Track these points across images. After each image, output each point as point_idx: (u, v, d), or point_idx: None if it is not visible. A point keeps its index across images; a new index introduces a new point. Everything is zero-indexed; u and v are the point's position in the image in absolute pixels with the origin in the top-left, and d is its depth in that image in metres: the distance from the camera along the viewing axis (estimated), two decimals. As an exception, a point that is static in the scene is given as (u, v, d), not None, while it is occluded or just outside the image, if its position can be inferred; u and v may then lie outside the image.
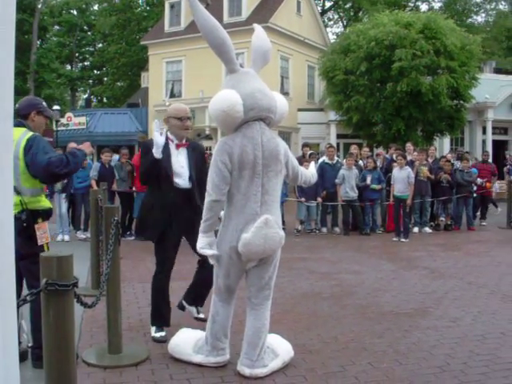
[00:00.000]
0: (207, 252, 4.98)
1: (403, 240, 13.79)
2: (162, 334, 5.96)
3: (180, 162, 6.00)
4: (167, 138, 5.97)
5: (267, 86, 5.05)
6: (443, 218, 16.53)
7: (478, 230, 16.30)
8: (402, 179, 14.04)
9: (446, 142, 30.59)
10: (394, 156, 15.64)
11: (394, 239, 13.96)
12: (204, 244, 4.98)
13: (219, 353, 5.18)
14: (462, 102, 24.34)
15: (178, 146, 6.05)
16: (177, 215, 5.93)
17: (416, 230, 15.50)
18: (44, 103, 5.49)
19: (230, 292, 5.19)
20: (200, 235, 5.02)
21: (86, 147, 5.36)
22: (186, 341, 5.39)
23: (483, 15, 52.81)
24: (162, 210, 5.88)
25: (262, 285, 5.11)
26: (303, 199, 14.84)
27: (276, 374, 5.07)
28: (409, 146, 17.05)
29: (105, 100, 60.86)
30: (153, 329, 6.05)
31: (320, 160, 16.13)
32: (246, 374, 5.01)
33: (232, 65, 5.01)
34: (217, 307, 5.21)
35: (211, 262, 5.10)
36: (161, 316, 6.05)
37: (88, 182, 13.46)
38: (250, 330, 5.13)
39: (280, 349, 5.31)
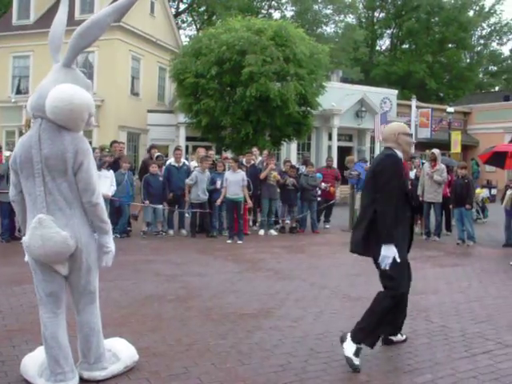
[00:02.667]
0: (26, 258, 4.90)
1: (239, 242, 14.04)
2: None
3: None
4: None
5: (50, 83, 4.69)
6: (288, 221, 16.90)
7: (322, 232, 16.80)
8: (235, 182, 14.29)
9: (293, 147, 31.29)
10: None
11: (228, 241, 14.14)
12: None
13: (58, 378, 4.71)
14: (309, 108, 24.88)
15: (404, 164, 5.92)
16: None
17: (262, 232, 15.76)
18: None
19: (55, 300, 4.83)
20: None
21: None
22: (34, 361, 4.96)
23: (332, 26, 54.51)
24: (404, 228, 5.74)
25: (81, 290, 4.91)
26: (147, 202, 14.69)
27: (119, 377, 5.01)
28: (255, 150, 17.39)
29: None
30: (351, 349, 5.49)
31: (167, 162, 16.08)
32: (84, 377, 4.92)
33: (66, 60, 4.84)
34: (43, 320, 4.82)
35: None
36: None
37: None
38: (80, 336, 4.99)
39: (122, 353, 5.21)
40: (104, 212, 4.84)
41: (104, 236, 4.89)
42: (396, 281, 5.55)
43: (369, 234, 5.59)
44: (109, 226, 4.91)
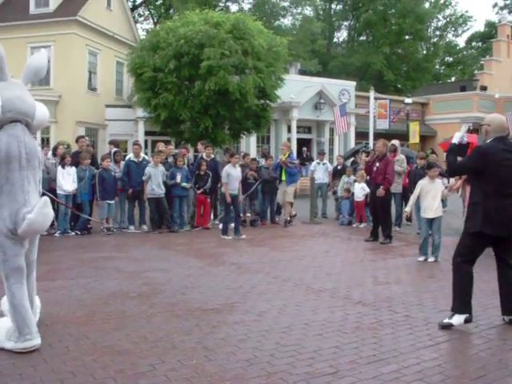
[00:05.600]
0: None
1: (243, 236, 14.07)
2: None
3: None
4: None
5: (29, 96, 5.91)
6: (249, 214, 16.89)
7: (283, 225, 16.79)
8: (237, 177, 14.50)
9: (253, 140, 31.33)
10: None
11: (228, 237, 13.97)
12: None
13: (26, 338, 5.46)
14: (268, 101, 24.90)
15: None
16: None
17: (221, 226, 15.69)
18: None
19: (21, 271, 5.69)
20: None
21: None
22: (1, 328, 5.69)
23: (290, 18, 54.49)
24: None
25: (28, 261, 5.92)
26: (100, 202, 14.47)
27: (84, 377, 4.93)
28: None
29: None
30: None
31: (126, 157, 15.93)
32: None
33: (1, 74, 5.75)
34: (12, 290, 5.61)
35: None
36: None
37: None
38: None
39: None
40: None
41: None
42: None
43: None
44: None
